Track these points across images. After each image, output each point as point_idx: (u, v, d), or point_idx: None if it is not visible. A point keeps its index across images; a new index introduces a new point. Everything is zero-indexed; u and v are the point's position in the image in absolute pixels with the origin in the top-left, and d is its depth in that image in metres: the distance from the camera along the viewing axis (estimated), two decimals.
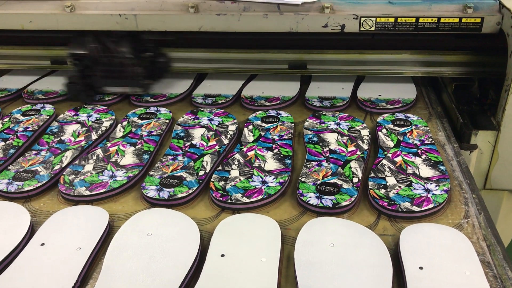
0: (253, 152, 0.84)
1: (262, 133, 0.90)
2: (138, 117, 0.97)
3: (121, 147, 0.86)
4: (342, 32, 0.97)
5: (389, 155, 0.82)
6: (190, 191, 0.74)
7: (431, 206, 0.69)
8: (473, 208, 0.71)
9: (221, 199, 0.72)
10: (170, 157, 0.83)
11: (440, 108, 1.01)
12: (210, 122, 0.94)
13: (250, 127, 0.92)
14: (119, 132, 0.92)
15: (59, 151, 0.86)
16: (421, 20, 0.94)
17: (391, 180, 0.75)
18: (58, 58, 1.17)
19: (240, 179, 0.76)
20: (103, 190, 0.75)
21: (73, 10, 1.04)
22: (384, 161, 0.80)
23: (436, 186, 0.73)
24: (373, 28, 0.96)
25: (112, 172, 0.79)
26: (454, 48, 1.04)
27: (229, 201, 0.72)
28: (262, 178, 0.77)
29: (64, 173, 0.79)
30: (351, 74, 1.10)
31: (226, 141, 0.88)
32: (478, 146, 0.92)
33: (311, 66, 1.09)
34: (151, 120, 0.96)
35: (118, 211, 0.73)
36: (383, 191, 0.73)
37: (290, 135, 0.89)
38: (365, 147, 0.85)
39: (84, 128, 0.94)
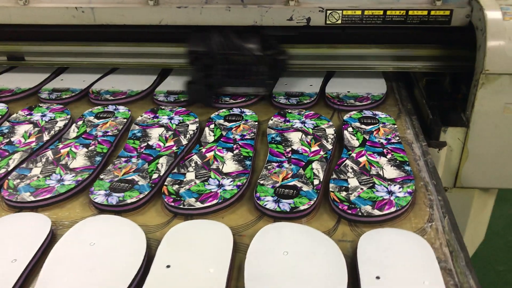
0: (212, 153, 0.80)
1: (224, 133, 0.86)
2: (94, 116, 0.92)
3: (73, 149, 0.82)
4: (308, 25, 0.93)
5: (353, 155, 0.78)
6: (141, 195, 0.70)
7: (393, 209, 0.66)
8: (438, 211, 0.68)
9: (173, 204, 0.68)
10: (123, 159, 0.78)
11: (410, 105, 0.97)
12: (170, 121, 0.90)
13: (212, 126, 0.88)
14: (72, 132, 0.87)
15: (7, 154, 0.81)
16: (388, 12, 0.90)
17: (353, 182, 0.72)
18: (15, 53, 1.12)
19: (195, 183, 0.72)
20: (48, 196, 0.70)
21: (27, 3, 0.99)
22: (348, 162, 0.77)
23: (400, 188, 0.70)
24: (339, 21, 0.92)
25: (60, 176, 0.75)
26: (424, 42, 1.01)
27: (182, 206, 0.68)
28: (219, 181, 0.72)
29: (9, 178, 0.74)
30: (319, 69, 1.07)
31: (184, 142, 0.83)
32: (448, 143, 0.89)
33: None
34: (108, 119, 0.91)
35: (63, 218, 0.69)
36: (344, 193, 0.69)
37: (253, 134, 0.85)
38: (329, 146, 0.81)
39: (36, 129, 0.89)
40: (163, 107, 0.95)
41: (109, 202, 0.69)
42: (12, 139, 0.85)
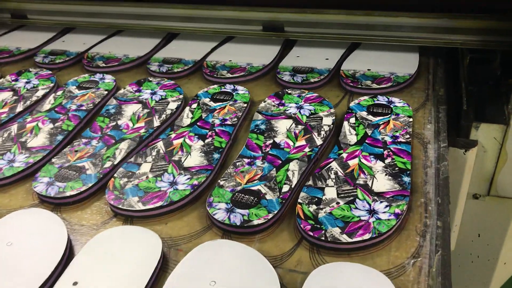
0: (180, 140, 0.69)
1: (204, 115, 0.74)
2: (77, 86, 0.85)
3: (39, 124, 0.75)
4: None
5: (344, 155, 0.64)
6: (83, 188, 0.61)
7: (367, 236, 0.52)
8: (431, 243, 0.53)
9: (112, 202, 0.59)
10: (84, 141, 0.70)
11: (443, 90, 0.79)
12: (151, 97, 0.80)
13: (194, 105, 0.77)
14: (47, 104, 0.80)
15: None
16: None
17: (330, 193, 0.58)
18: (18, 11, 1.06)
19: (147, 177, 0.62)
20: None
21: None
22: (334, 164, 0.62)
23: (386, 206, 0.55)
24: None
25: (14, 156, 0.68)
26: (475, 11, 0.80)
27: (121, 206, 0.58)
28: (174, 178, 0.62)
29: None
30: (342, 39, 0.90)
31: (156, 123, 0.73)
32: (480, 143, 0.71)
33: (290, 28, 0.90)
34: (88, 91, 0.83)
35: (2, 206, 0.63)
36: (313, 208, 0.56)
37: (236, 119, 0.73)
38: (318, 142, 0.67)
39: (14, 97, 0.83)
40: (151, 79, 0.85)
41: (48, 192, 0.61)
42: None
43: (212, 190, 0.60)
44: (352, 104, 0.74)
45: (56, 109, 0.78)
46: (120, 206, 0.58)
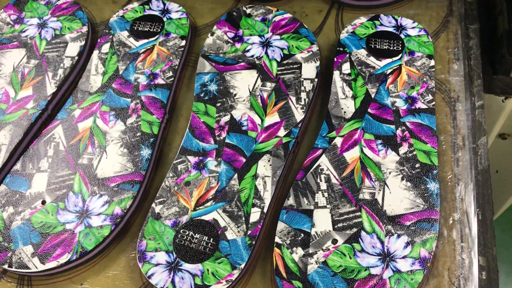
0: (89, 122, 0.45)
1: (122, 67, 0.49)
2: None
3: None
4: None
5: (338, 141, 0.43)
6: None
7: None
8: None
9: None
10: None
11: None
12: (40, 34, 0.52)
13: (105, 48, 0.51)
14: None
15: None
16: None
17: (321, 218, 0.38)
18: None
19: (44, 204, 0.41)
20: None
21: None
22: (323, 160, 0.42)
23: (406, 245, 0.37)
24: None
25: None
26: None
27: (6, 266, 0.38)
28: (84, 203, 0.41)
29: None
30: None
31: (51, 89, 0.48)
32: None
33: None
34: None
35: None
36: (298, 254, 0.37)
37: (171, 74, 0.48)
38: (299, 116, 0.44)
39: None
40: None
41: None
42: None
43: (144, 223, 0.39)
44: (343, 35, 0.49)
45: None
46: (5, 266, 0.38)
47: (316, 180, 0.40)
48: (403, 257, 0.36)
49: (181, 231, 0.39)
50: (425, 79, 0.45)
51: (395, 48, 0.47)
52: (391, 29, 0.49)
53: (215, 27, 0.51)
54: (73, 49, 0.51)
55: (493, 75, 0.50)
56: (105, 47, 0.50)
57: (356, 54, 0.48)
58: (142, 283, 0.39)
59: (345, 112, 0.44)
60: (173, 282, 0.36)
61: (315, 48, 0.48)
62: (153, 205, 0.40)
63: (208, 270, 0.37)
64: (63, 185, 0.42)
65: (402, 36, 0.48)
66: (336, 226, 0.38)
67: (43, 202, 0.40)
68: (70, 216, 0.40)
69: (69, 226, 0.39)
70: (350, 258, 0.37)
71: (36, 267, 0.38)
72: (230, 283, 0.36)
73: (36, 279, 0.39)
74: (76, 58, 0.50)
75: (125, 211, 0.40)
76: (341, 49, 0.48)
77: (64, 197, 0.41)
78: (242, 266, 0.37)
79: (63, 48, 0.51)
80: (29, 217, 0.40)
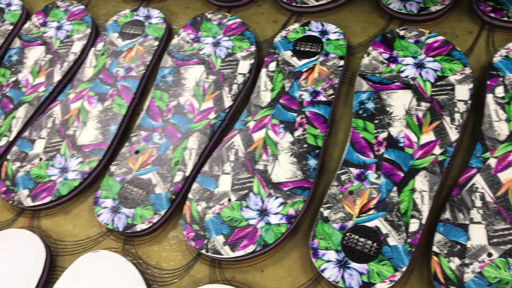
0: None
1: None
2: None
3: (85, 104, 0.61)
4: None
5: (491, 162, 0.46)
6: None
7: None
8: None
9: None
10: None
11: None
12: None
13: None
14: None
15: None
16: None
17: (476, 234, 0.43)
18: None
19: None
20: None
21: None
22: (477, 179, 0.46)
23: None
24: None
25: None
26: None
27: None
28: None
29: None
30: None
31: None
32: None
33: None
34: None
35: (68, 235, 0.54)
36: (454, 263, 0.42)
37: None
38: (454, 135, 0.48)
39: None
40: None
41: None
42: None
43: (314, 224, 0.46)
44: (496, 58, 0.52)
45: (101, 75, 0.62)
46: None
47: (471, 197, 0.45)
48: None
49: (348, 234, 0.45)
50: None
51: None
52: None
53: (370, 48, 0.56)
54: (244, 66, 0.59)
55: None
56: (272, 65, 0.58)
57: (510, 78, 0.50)
58: (313, 275, 0.46)
59: (498, 134, 0.48)
60: (343, 277, 0.43)
61: (467, 71, 0.52)
62: (321, 209, 0.47)
63: (373, 270, 0.43)
64: (244, 186, 0.50)
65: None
66: (491, 241, 0.42)
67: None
68: (252, 213, 0.48)
69: (252, 221, 0.48)
70: (505, 271, 0.41)
71: (227, 254, 0.46)
72: (393, 283, 0.42)
73: (225, 262, 0.48)
74: (248, 75, 0.58)
75: (298, 212, 0.47)
76: (494, 72, 0.51)
77: (246, 196, 0.49)
78: (404, 269, 0.42)
79: (235, 66, 0.59)
80: (219, 211, 0.49)
